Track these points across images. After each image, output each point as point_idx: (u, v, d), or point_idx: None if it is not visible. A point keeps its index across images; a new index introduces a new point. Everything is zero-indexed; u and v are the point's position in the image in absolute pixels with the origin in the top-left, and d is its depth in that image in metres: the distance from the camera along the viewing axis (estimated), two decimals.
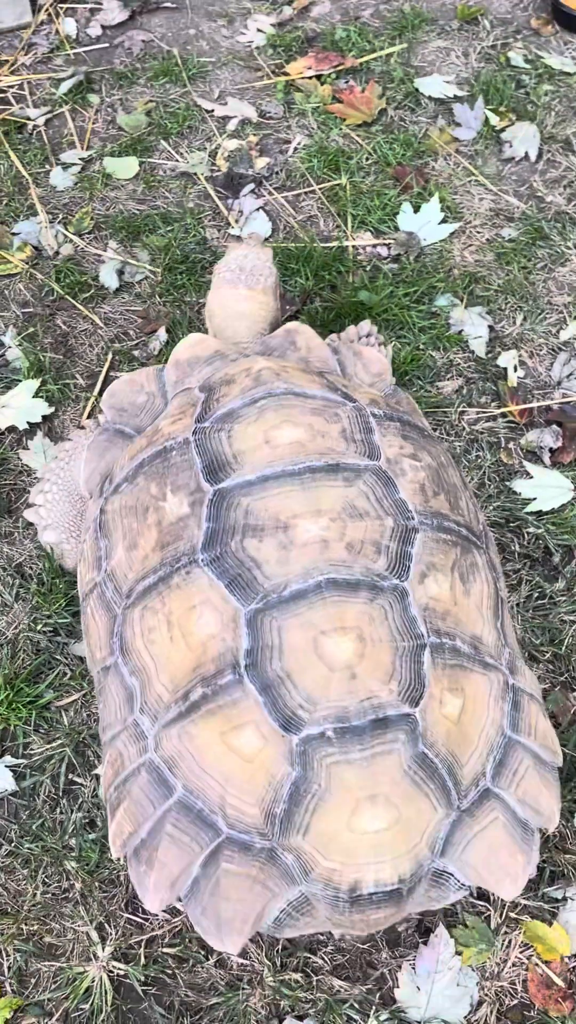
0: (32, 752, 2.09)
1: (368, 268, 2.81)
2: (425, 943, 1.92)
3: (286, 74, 3.23)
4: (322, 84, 3.20)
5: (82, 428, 2.34)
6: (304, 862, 1.60)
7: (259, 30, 3.37)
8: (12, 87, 3.16)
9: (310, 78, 3.21)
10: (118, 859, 1.75)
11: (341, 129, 3.10)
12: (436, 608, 1.71)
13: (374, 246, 2.86)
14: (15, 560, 2.31)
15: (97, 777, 2.05)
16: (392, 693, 1.60)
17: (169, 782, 1.66)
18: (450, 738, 1.65)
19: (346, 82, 3.21)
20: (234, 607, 1.65)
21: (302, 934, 1.74)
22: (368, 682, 1.60)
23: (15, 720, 2.10)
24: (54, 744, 2.09)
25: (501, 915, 1.95)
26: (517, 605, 2.28)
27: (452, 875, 1.67)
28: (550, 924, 1.95)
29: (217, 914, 1.60)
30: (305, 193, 2.95)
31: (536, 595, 2.30)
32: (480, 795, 1.69)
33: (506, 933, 1.93)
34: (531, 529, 2.39)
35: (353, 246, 2.85)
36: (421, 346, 2.67)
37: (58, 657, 2.19)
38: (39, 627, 2.22)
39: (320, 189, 2.96)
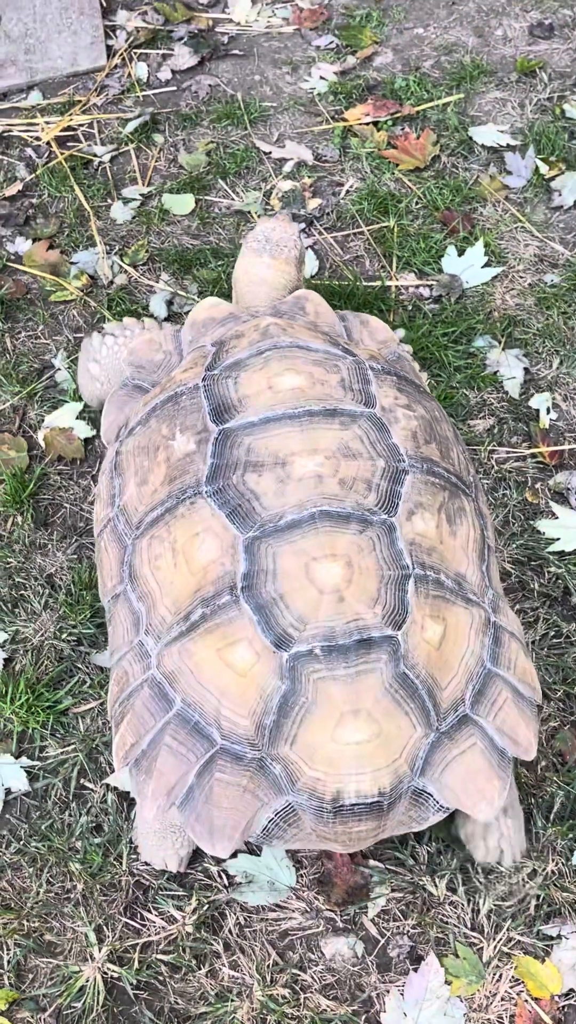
0: (47, 755, 2.17)
1: (409, 307, 2.88)
2: (415, 970, 1.93)
3: (344, 120, 3.34)
4: (378, 130, 3.29)
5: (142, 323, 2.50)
6: (291, 772, 1.71)
7: (322, 77, 3.48)
8: (82, 126, 3.32)
9: (367, 124, 3.32)
10: (120, 770, 1.85)
11: (393, 173, 3.19)
12: (422, 544, 1.83)
13: (416, 287, 2.92)
14: (47, 571, 2.41)
15: (107, 786, 2.12)
16: (376, 616, 1.72)
17: (169, 696, 1.79)
18: (430, 661, 1.76)
19: (402, 129, 3.30)
20: (233, 534, 1.78)
21: (290, 847, 1.84)
22: (355, 605, 1.71)
23: (33, 723, 2.18)
24: (68, 749, 2.16)
25: (494, 948, 1.95)
26: (532, 643, 2.30)
27: (431, 795, 1.77)
28: (543, 961, 1.95)
29: (210, 821, 1.71)
30: (354, 234, 3.04)
31: (552, 634, 2.31)
32: (459, 720, 1.79)
33: (497, 967, 1.94)
34: (552, 568, 2.41)
35: (396, 286, 2.92)
36: (455, 384, 2.71)
37: (79, 666, 2.27)
38: (64, 636, 2.31)
39: (368, 230, 3.04)
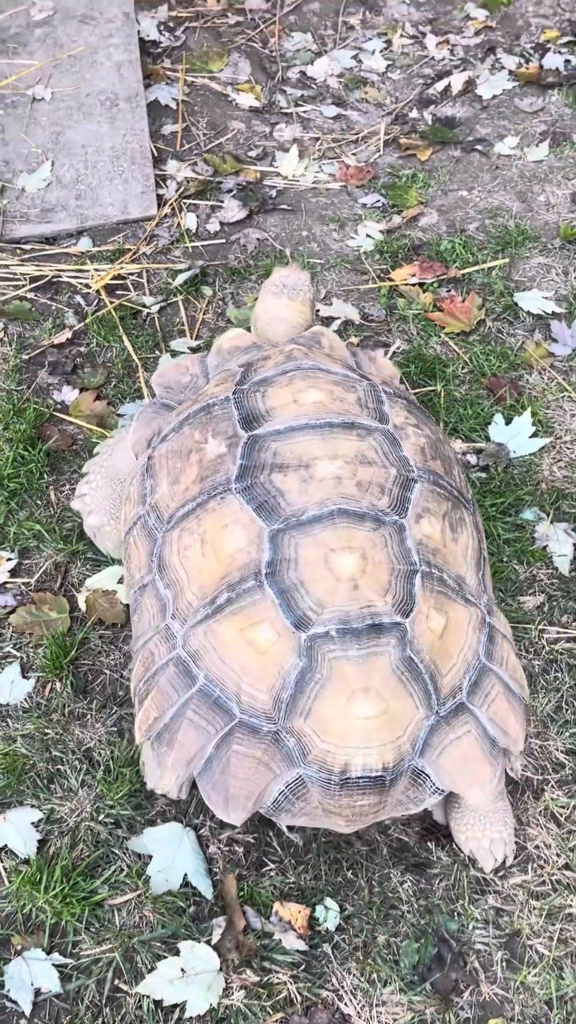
0: (80, 952, 2.05)
1: None
2: None
3: (391, 280, 3.38)
4: (424, 291, 3.33)
5: (122, 427, 2.72)
6: (304, 744, 1.87)
7: (368, 236, 3.54)
8: (132, 275, 3.36)
9: (413, 285, 3.35)
10: (139, 743, 2.03)
11: (440, 336, 3.21)
12: (428, 545, 2.02)
13: (464, 453, 2.91)
14: (85, 744, 2.32)
15: (139, 994, 2.00)
16: (387, 604, 1.90)
17: (192, 672, 1.96)
18: (433, 649, 1.93)
19: (448, 291, 3.34)
20: (259, 526, 1.96)
21: (295, 822, 1.98)
22: (368, 593, 1.90)
23: (67, 915, 2.07)
24: (103, 947, 2.05)
25: None
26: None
27: (428, 777, 1.94)
28: None
29: (226, 790, 1.88)
30: None
31: None
32: (456, 707, 1.97)
33: None
34: None
35: None
36: (505, 559, 2.68)
37: (117, 852, 2.17)
38: (101, 817, 2.21)
39: (416, 394, 3.04)
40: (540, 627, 2.56)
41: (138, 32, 4.25)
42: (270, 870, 2.18)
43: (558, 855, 2.22)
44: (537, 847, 2.23)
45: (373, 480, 2.03)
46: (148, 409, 2.46)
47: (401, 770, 1.90)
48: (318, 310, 3.17)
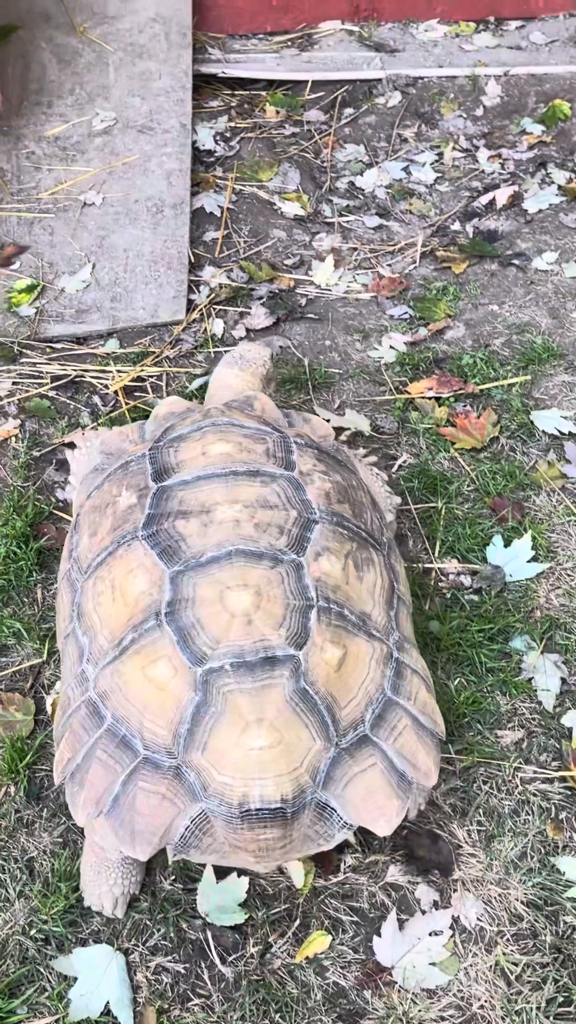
0: None
1: (448, 596, 2.79)
2: None
3: (407, 392, 3.36)
4: (440, 405, 3.30)
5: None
6: (203, 778, 1.91)
7: (391, 347, 3.54)
8: (152, 377, 3.42)
9: (429, 399, 3.33)
10: (59, 783, 2.06)
11: (449, 452, 3.16)
12: (327, 582, 2.07)
13: (457, 574, 2.84)
14: (28, 853, 2.29)
15: None
16: (281, 638, 1.95)
17: (101, 713, 2.03)
18: (329, 681, 1.97)
19: (464, 406, 3.30)
20: (161, 569, 2.05)
21: (205, 859, 2.02)
22: (262, 627, 1.95)
23: None
24: None
25: None
26: (537, 1008, 2.07)
27: (335, 811, 1.95)
28: None
29: (132, 826, 1.92)
30: (402, 511, 3.00)
31: (561, 1000, 2.08)
32: (359, 739, 1.99)
33: None
34: (569, 918, 2.19)
35: (437, 570, 2.84)
36: (486, 689, 2.58)
37: (41, 970, 2.12)
38: (33, 931, 2.17)
39: (416, 509, 3.00)
40: (516, 764, 2.45)
41: (193, 142, 4.41)
42: (195, 1005, 2.10)
43: (503, 1018, 2.07)
44: (482, 1006, 2.10)
45: (272, 522, 2.11)
46: (89, 475, 2.58)
47: (303, 802, 1.91)
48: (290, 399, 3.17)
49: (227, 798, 1.89)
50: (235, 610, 1.96)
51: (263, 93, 4.85)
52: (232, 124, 4.64)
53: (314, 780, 1.93)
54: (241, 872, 2.24)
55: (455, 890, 2.26)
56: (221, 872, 2.24)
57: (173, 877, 2.27)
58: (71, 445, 3.07)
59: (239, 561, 2.02)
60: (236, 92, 4.86)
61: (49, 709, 2.53)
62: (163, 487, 2.21)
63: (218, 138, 4.54)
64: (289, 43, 5.11)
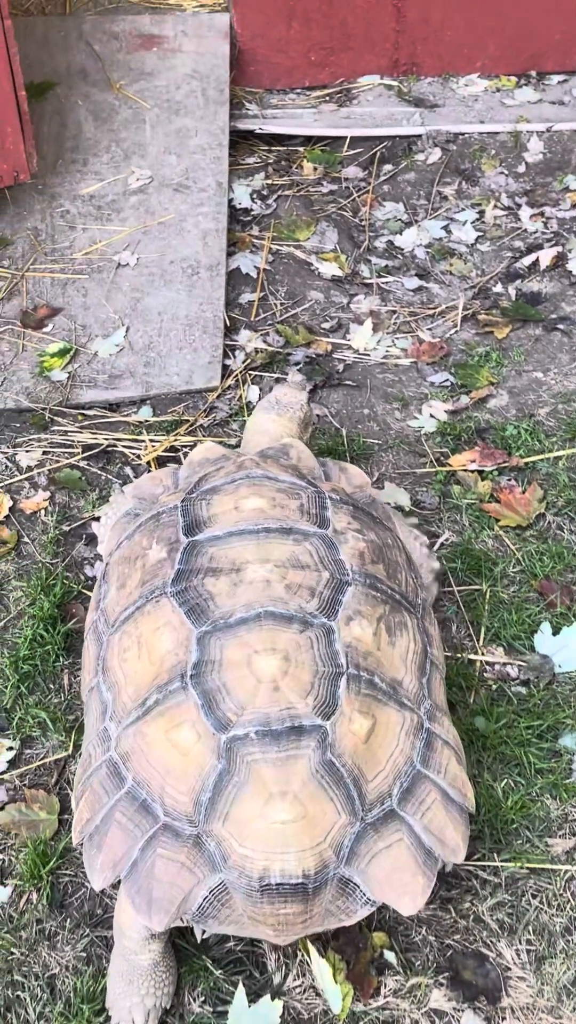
0: None
1: (493, 688, 2.65)
2: None
3: (449, 464, 3.24)
4: (483, 479, 3.18)
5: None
6: (223, 849, 1.86)
7: (432, 416, 3.43)
8: (185, 447, 3.33)
9: (472, 472, 3.21)
10: (77, 845, 2.03)
11: (493, 530, 3.04)
12: (358, 648, 2.01)
13: (504, 664, 2.70)
14: (50, 969, 2.17)
15: None
16: (308, 706, 1.90)
17: (122, 774, 1.98)
18: (357, 753, 1.92)
19: (508, 480, 3.18)
20: (189, 628, 2.00)
21: (224, 931, 1.95)
22: (289, 695, 1.90)
23: None
24: None
25: None
26: None
27: (359, 887, 1.89)
28: None
29: (149, 893, 1.87)
30: (445, 593, 2.87)
31: None
32: (386, 814, 1.93)
33: None
34: None
35: (482, 661, 2.71)
36: (535, 792, 2.43)
37: None
38: None
39: (459, 591, 2.87)
40: (568, 876, 2.30)
41: (229, 200, 4.34)
42: None
43: None
44: None
45: (303, 583, 2.05)
46: (122, 520, 2.53)
47: (325, 878, 1.86)
48: (313, 427, 3.03)
49: (247, 871, 1.84)
50: (262, 675, 1.92)
51: (300, 149, 4.78)
52: (269, 181, 4.58)
53: (337, 855, 1.88)
54: (275, 995, 2.10)
55: (504, 1018, 2.11)
56: (253, 991, 2.10)
57: (203, 999, 2.13)
58: (96, 518, 2.97)
59: (268, 623, 1.97)
60: (273, 148, 4.80)
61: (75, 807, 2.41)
62: (194, 542, 2.16)
63: (255, 196, 4.48)
64: (327, 98, 5.05)
